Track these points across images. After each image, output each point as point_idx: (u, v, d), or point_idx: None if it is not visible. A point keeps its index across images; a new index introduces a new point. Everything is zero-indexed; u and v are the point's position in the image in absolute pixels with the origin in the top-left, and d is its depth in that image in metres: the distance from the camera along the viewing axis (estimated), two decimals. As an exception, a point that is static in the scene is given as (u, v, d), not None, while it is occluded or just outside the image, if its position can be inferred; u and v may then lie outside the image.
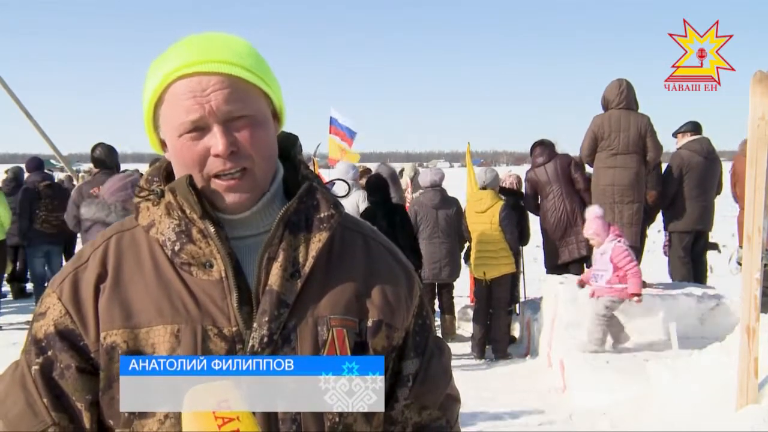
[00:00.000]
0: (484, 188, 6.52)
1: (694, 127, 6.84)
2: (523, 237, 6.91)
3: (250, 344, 0.98)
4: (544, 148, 6.70)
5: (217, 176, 1.00)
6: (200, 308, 0.99)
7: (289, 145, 1.13)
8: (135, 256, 1.04)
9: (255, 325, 0.99)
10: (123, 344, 0.98)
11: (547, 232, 6.65)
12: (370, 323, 1.05)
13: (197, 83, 0.98)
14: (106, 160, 5.59)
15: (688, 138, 6.76)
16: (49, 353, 1.01)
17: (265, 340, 0.98)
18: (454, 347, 6.80)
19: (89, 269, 1.03)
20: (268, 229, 1.04)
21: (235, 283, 1.00)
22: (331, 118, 10.68)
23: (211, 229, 1.00)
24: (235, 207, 1.03)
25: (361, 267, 1.09)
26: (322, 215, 1.05)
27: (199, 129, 0.98)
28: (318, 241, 1.04)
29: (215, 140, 0.98)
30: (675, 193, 6.58)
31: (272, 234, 1.02)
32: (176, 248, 1.01)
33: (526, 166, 7.48)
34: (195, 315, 0.98)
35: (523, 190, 7.24)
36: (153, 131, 1.06)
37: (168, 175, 1.10)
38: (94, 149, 5.66)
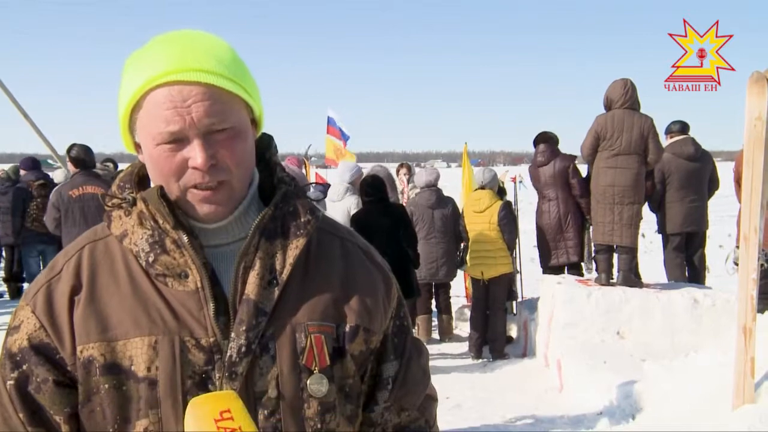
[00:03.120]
0: (482, 188, 6.52)
1: (680, 128, 6.81)
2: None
3: (228, 354, 0.96)
4: (547, 146, 6.66)
5: (194, 186, 0.98)
6: (177, 319, 0.97)
7: (263, 147, 1.10)
8: (109, 267, 1.01)
9: (233, 334, 0.97)
10: (100, 357, 0.96)
11: (542, 232, 6.66)
12: (347, 328, 1.04)
13: (178, 93, 0.94)
14: (85, 158, 5.40)
15: (671, 140, 6.75)
16: (24, 367, 0.98)
17: (243, 349, 0.96)
18: (452, 347, 6.80)
19: (63, 281, 1.01)
20: (243, 236, 1.02)
21: (211, 294, 0.98)
22: (328, 117, 10.65)
23: (185, 239, 0.98)
24: (210, 217, 1.01)
25: (338, 271, 1.08)
26: (298, 221, 1.04)
27: (178, 140, 0.96)
28: (295, 247, 1.02)
29: (194, 153, 0.95)
30: (660, 197, 6.60)
31: (248, 242, 1.01)
32: (150, 259, 0.99)
33: (524, 166, 7.52)
34: (172, 326, 0.97)
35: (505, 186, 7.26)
36: (128, 133, 1.04)
37: (140, 180, 1.07)
38: (69, 150, 5.46)
